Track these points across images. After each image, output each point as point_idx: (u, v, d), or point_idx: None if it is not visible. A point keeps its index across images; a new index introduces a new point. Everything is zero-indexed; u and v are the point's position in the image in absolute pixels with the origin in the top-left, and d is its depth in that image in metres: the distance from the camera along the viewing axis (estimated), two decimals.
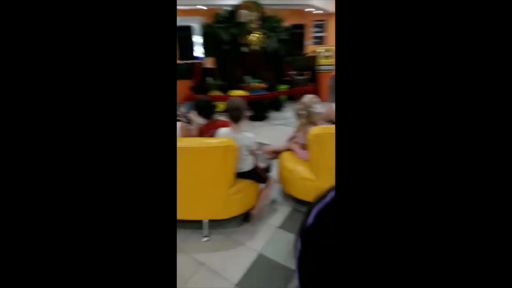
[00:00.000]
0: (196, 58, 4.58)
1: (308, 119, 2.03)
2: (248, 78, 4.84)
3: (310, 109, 2.06)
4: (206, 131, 1.91)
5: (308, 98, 2.29)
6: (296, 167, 2.05)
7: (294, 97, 4.74)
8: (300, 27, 4.77)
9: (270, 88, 4.82)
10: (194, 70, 4.99)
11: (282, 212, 2.09)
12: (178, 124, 1.73)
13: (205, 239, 1.79)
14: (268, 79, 4.95)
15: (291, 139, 2.31)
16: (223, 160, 1.63)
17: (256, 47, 4.80)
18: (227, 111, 1.71)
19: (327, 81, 2.20)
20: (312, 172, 1.95)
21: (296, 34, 4.74)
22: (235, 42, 4.65)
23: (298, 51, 4.93)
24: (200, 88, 4.72)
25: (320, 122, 2.07)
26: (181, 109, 2.34)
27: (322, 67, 5.80)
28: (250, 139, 1.76)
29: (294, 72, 5.29)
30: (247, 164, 1.83)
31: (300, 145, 2.12)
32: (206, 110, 1.94)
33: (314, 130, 1.86)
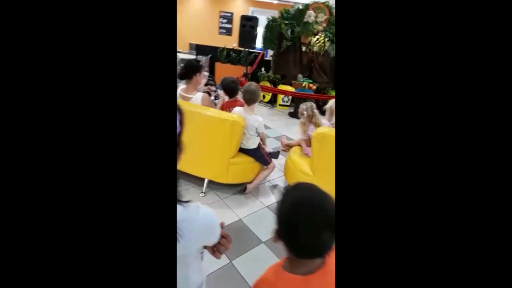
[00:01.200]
0: (255, 48, 4.90)
1: (310, 119, 2.18)
2: (300, 77, 4.99)
3: (315, 110, 2.21)
4: (226, 107, 2.21)
5: (333, 101, 2.41)
6: (299, 160, 2.20)
7: None
8: None
9: (319, 91, 4.88)
10: (254, 58, 5.37)
11: (277, 196, 2.29)
12: (203, 94, 2.07)
13: (202, 194, 2.13)
14: (320, 82, 5.01)
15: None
16: (229, 132, 1.91)
17: (317, 49, 4.89)
18: (243, 93, 1.97)
19: None
20: (311, 168, 2.09)
21: None
22: (296, 40, 4.83)
23: None
24: (253, 76, 5.07)
25: (324, 123, 2.19)
26: (216, 86, 2.70)
27: None
28: (259, 122, 1.99)
29: None
30: (252, 143, 2.08)
31: (307, 142, 2.27)
32: (229, 89, 2.25)
33: (320, 129, 1.99)
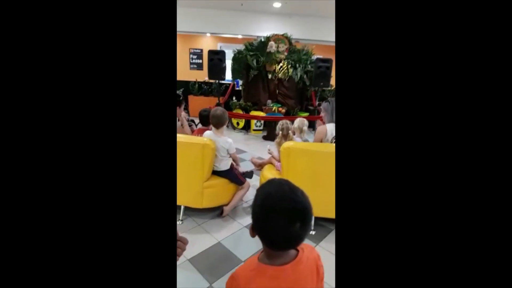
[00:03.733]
0: (224, 79, 5.15)
1: (285, 137, 2.32)
2: (269, 102, 5.26)
3: (290, 131, 2.36)
4: (197, 133, 2.30)
5: (300, 120, 2.58)
6: (272, 176, 2.28)
7: (313, 125, 5.04)
8: (327, 61, 5.08)
9: (288, 113, 5.13)
10: (225, 89, 5.62)
11: None
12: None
13: (179, 222, 2.10)
14: (288, 105, 5.30)
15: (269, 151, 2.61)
16: (200, 155, 1.97)
17: (282, 76, 5.25)
18: (210, 118, 2.08)
19: (323, 105, 2.43)
20: None
21: (322, 67, 5.07)
22: (262, 69, 5.16)
23: (323, 83, 5.23)
24: (225, 105, 5.26)
25: (296, 140, 2.33)
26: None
27: None
28: (228, 143, 2.08)
29: (320, 102, 5.57)
30: (224, 164, 2.14)
31: (278, 158, 2.37)
32: (204, 119, 2.38)
33: (286, 143, 2.11)
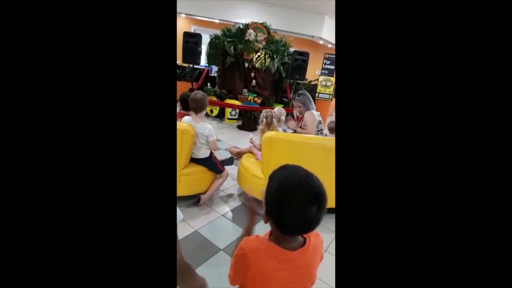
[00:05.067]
0: (199, 64, 4.96)
1: (269, 125, 2.31)
2: (245, 91, 5.20)
3: (274, 119, 2.36)
4: (178, 117, 2.19)
5: (278, 109, 2.59)
6: (251, 165, 2.27)
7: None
8: (303, 54, 5.13)
9: (264, 104, 5.13)
10: (199, 74, 5.41)
11: (232, 204, 2.29)
12: None
13: None
14: (264, 95, 5.29)
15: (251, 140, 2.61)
16: (179, 142, 1.88)
17: (259, 65, 5.19)
18: (189, 101, 1.98)
19: (298, 99, 2.57)
20: (262, 171, 2.17)
21: (299, 60, 5.11)
22: (239, 56, 5.05)
23: (299, 76, 5.29)
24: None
25: (280, 130, 2.34)
26: None
27: (320, 95, 6.17)
28: (208, 129, 2.01)
29: (294, 95, 5.64)
30: (203, 152, 2.07)
31: (259, 147, 2.37)
32: (185, 103, 2.26)
33: (267, 133, 2.10)
